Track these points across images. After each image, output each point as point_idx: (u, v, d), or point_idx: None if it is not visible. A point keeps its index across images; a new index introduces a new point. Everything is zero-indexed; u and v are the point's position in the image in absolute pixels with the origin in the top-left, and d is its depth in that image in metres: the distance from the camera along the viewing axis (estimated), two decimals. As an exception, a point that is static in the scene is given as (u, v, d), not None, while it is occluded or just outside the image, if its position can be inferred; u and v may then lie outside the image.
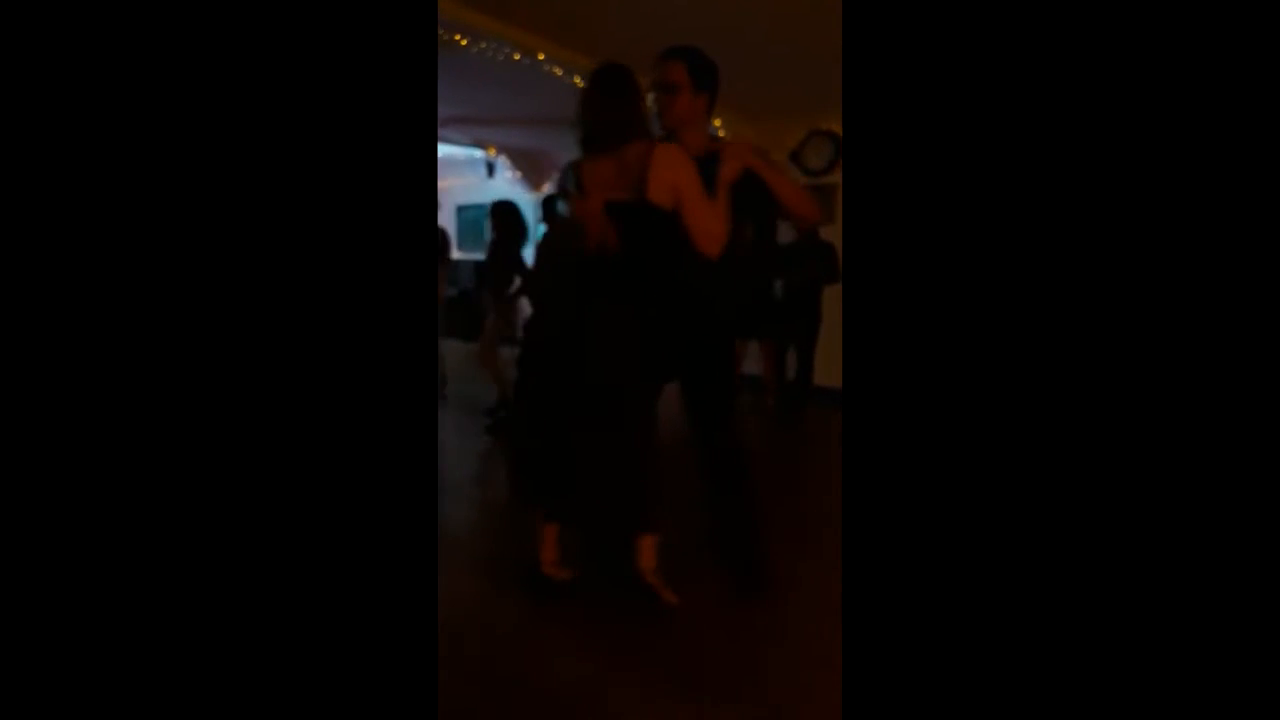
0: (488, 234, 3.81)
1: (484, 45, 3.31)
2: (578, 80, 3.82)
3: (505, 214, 3.59)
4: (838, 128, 4.55)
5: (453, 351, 4.86)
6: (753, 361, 4.18)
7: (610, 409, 1.60)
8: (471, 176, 6.76)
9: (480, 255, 7.01)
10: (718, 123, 4.51)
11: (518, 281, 3.67)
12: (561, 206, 1.71)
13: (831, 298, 4.00)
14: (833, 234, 4.26)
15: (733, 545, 1.84)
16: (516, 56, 3.44)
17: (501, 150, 6.11)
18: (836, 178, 4.60)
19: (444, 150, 5.77)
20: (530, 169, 6.29)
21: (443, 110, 4.34)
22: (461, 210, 7.42)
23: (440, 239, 3.65)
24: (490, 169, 6.20)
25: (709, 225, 1.44)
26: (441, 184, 6.75)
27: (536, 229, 4.66)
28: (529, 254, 3.60)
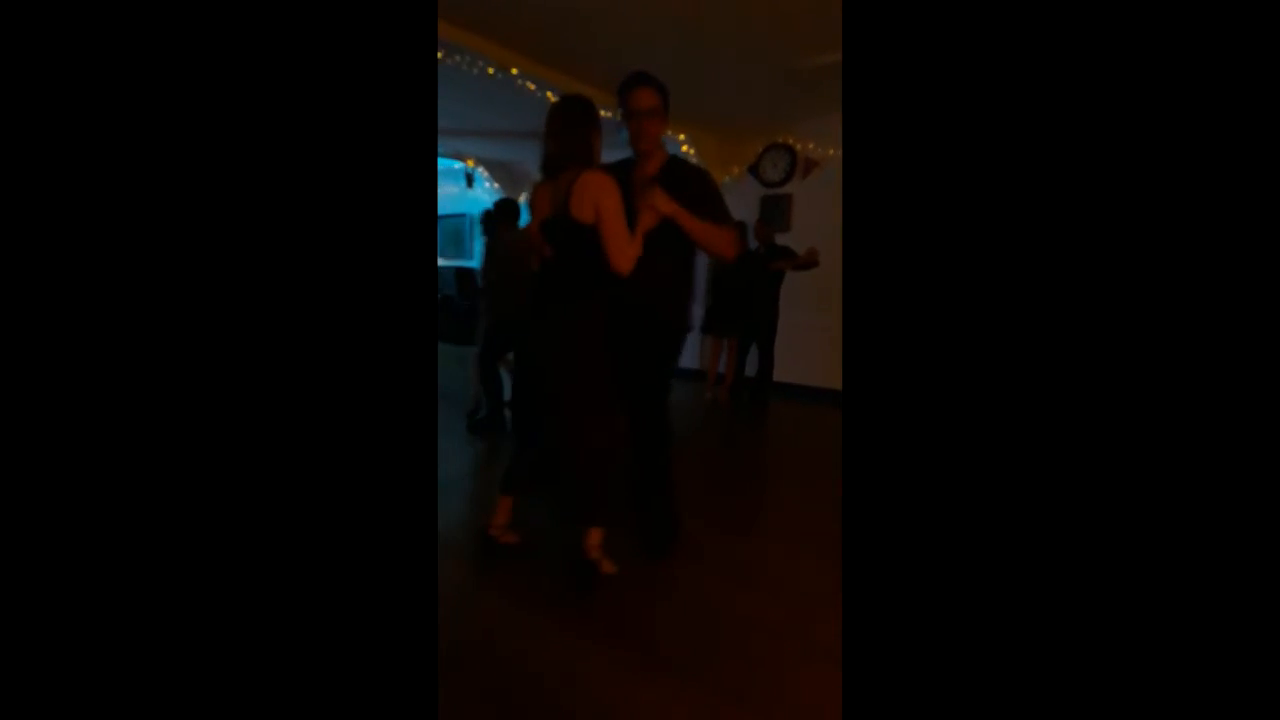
0: (481, 238, 3.69)
1: (459, 59, 3.52)
2: (550, 95, 4.06)
3: (506, 213, 3.50)
4: (793, 141, 4.87)
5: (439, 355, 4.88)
6: (688, 355, 4.37)
7: (563, 407, 1.74)
8: (451, 187, 7.00)
9: (461, 262, 7.20)
10: (682, 136, 4.80)
11: None
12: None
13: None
14: (787, 240, 4.60)
15: (648, 511, 2.03)
16: (490, 71, 3.66)
17: (479, 162, 6.35)
18: (792, 188, 4.92)
19: (423, 161, 5.96)
20: (507, 180, 6.52)
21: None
22: (441, 220, 7.65)
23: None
24: (469, 180, 6.43)
25: (620, 245, 1.62)
26: (421, 194, 6.93)
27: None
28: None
